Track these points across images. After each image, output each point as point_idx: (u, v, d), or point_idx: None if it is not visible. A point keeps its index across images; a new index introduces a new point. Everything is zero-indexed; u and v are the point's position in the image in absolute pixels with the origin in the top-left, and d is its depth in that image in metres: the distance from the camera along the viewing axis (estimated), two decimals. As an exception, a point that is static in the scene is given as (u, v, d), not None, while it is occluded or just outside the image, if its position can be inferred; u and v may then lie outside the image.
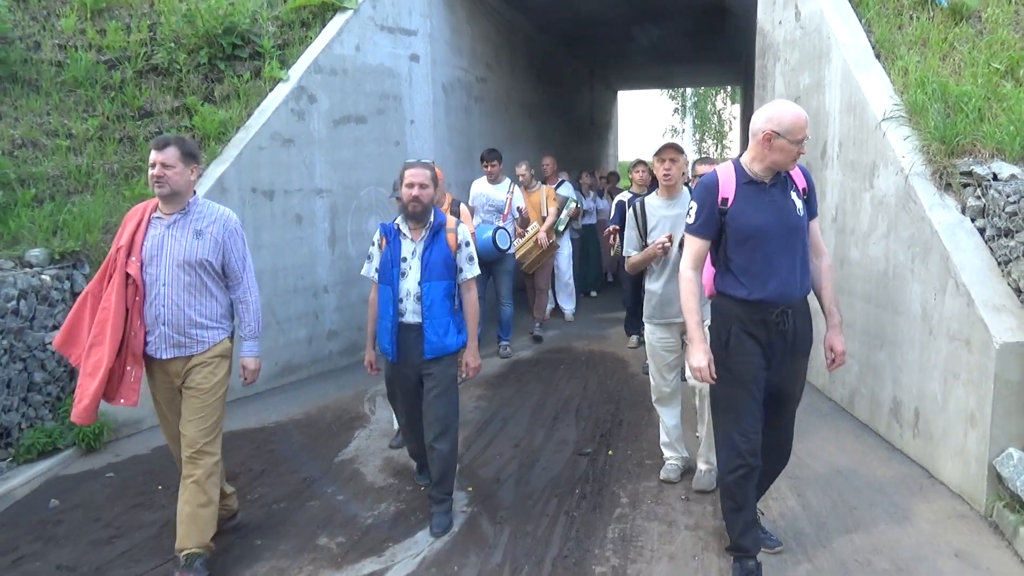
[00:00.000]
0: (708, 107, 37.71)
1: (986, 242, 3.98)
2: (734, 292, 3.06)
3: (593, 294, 10.47)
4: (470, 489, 4.24)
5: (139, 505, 4.11)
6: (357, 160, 6.94)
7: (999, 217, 3.86)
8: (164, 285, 3.23)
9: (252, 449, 4.91)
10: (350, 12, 6.82)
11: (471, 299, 3.80)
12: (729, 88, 31.03)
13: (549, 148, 11.00)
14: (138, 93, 6.21)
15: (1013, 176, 3.91)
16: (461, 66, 8.80)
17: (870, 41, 5.33)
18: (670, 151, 4.03)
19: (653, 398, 4.31)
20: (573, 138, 14.98)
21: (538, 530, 3.74)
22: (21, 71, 6.10)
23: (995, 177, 3.99)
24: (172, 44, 6.45)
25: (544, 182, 8.26)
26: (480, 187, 7.25)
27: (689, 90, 34.11)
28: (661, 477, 4.23)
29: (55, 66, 6.24)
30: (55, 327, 4.68)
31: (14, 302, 4.44)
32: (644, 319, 4.24)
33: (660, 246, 3.93)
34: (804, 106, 5.93)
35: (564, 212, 7.89)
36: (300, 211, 6.39)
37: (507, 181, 7.21)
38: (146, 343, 3.27)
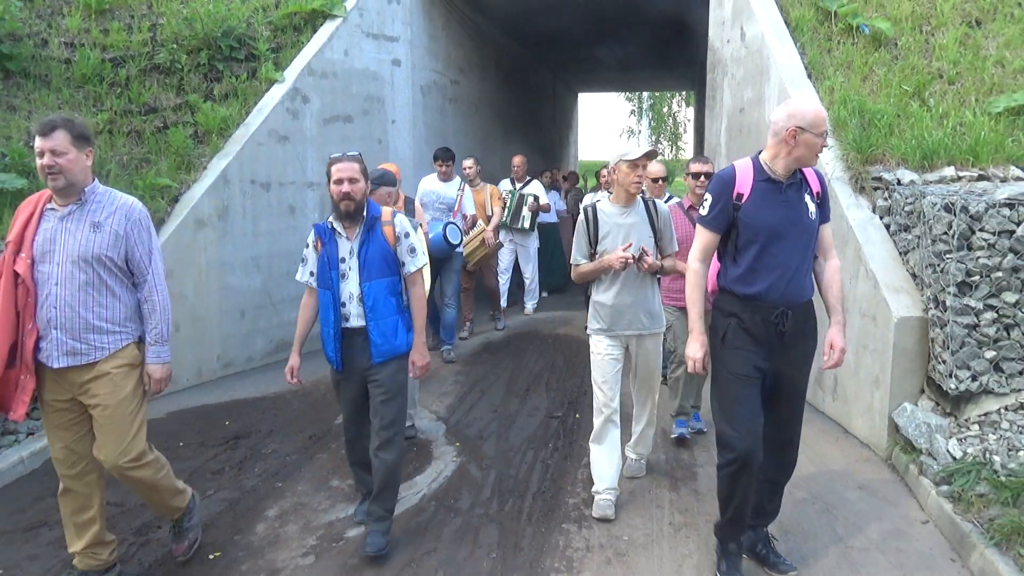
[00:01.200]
0: (664, 109, 38.86)
1: (891, 236, 4.80)
2: (737, 288, 3.06)
3: (544, 295, 9.91)
4: (457, 444, 4.90)
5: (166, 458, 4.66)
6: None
7: (900, 215, 4.67)
8: (56, 284, 2.93)
9: (258, 414, 5.48)
10: (339, 19, 7.40)
11: (416, 293, 3.56)
12: (684, 92, 32.13)
13: (515, 147, 11.67)
14: (143, 90, 6.69)
15: (912, 181, 4.73)
16: (437, 70, 9.42)
17: (803, 62, 6.14)
18: (645, 159, 3.76)
19: (595, 424, 3.98)
20: (537, 138, 15.70)
21: (519, 473, 4.43)
22: (31, 67, 6.53)
23: (899, 182, 4.81)
24: (174, 45, 6.94)
25: (513, 182, 8.56)
26: (429, 184, 7.23)
27: (646, 93, 35.10)
28: (595, 515, 3.83)
29: (63, 63, 6.67)
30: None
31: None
32: (590, 331, 3.97)
33: (621, 260, 3.64)
34: (746, 118, 6.78)
35: (525, 208, 8.25)
36: (293, 202, 6.96)
37: (458, 179, 7.28)
38: (38, 349, 2.96)
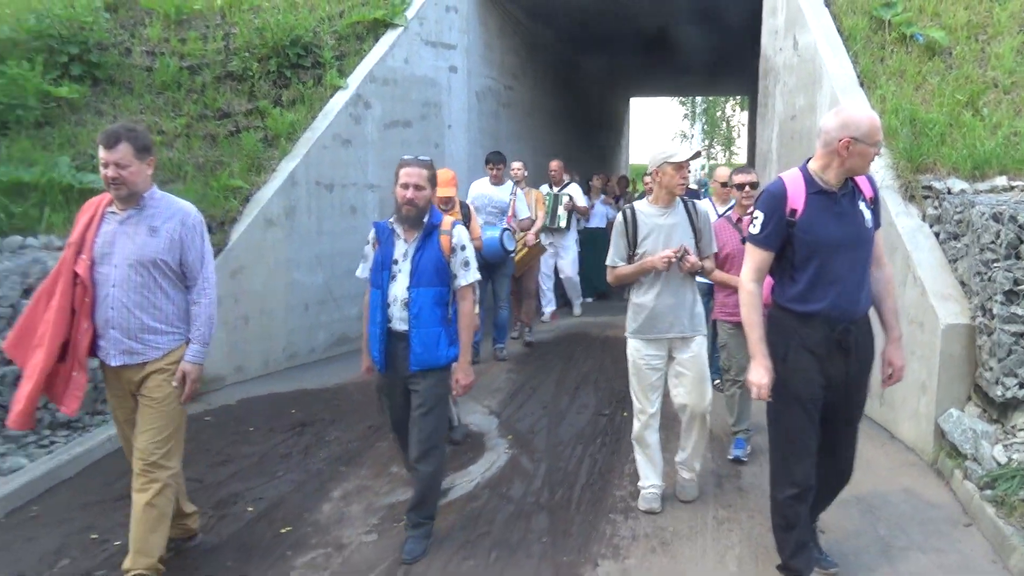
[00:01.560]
0: (718, 113, 38.58)
1: (940, 244, 4.85)
2: (796, 307, 2.95)
3: (589, 300, 9.86)
4: (509, 438, 5.12)
5: (237, 441, 5.00)
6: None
7: (950, 224, 4.73)
8: (114, 286, 3.02)
9: (320, 404, 5.79)
10: (400, 28, 7.71)
11: (465, 308, 3.50)
12: (738, 97, 31.84)
13: (567, 151, 11.87)
14: (217, 96, 7.10)
15: (963, 191, 4.78)
16: (491, 76, 9.68)
17: (856, 71, 6.20)
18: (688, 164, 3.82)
19: (634, 427, 4.01)
20: (588, 142, 15.86)
21: (568, 466, 4.63)
22: (116, 74, 6.99)
23: (949, 191, 4.86)
24: (246, 53, 7.34)
25: (551, 186, 8.45)
26: (481, 188, 7.20)
27: (699, 97, 34.88)
28: (642, 507, 3.97)
29: (145, 70, 7.13)
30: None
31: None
32: (628, 334, 3.93)
33: (665, 260, 3.66)
34: (798, 125, 6.86)
35: (560, 207, 8.22)
36: (355, 203, 7.28)
37: (510, 183, 7.28)
38: (98, 347, 3.08)
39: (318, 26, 7.74)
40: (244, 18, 7.76)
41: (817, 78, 6.45)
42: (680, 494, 4.12)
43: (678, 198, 3.86)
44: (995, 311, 4.10)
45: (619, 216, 3.90)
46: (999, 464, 3.90)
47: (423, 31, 8.00)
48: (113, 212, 3.08)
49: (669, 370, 3.94)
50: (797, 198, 2.88)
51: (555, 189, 8.52)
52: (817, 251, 2.88)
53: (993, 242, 4.15)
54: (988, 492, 3.80)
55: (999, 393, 4.11)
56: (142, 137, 3.04)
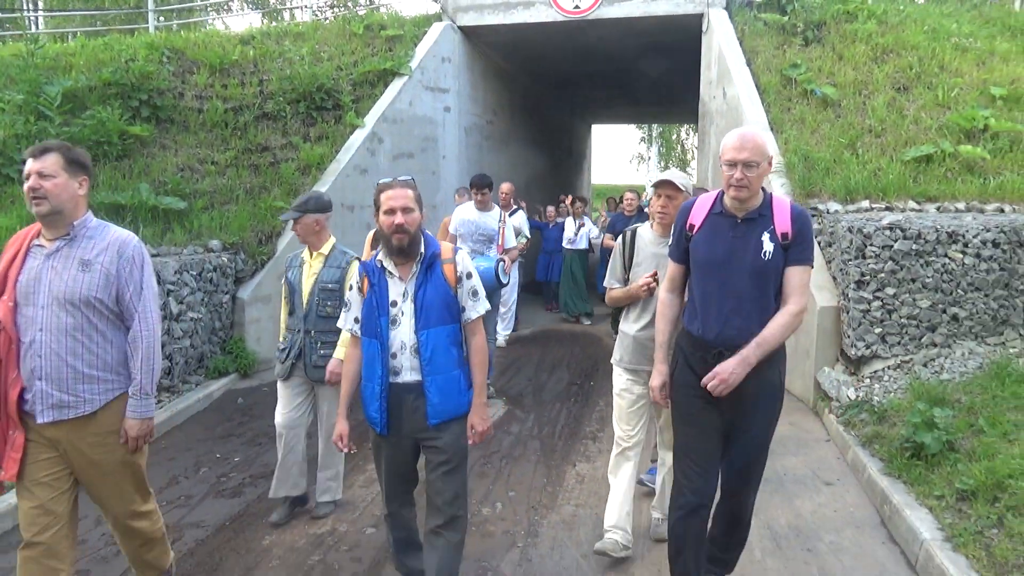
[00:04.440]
0: (673, 136, 40.78)
1: (821, 250, 6.63)
2: (686, 323, 3.03)
3: (587, 322, 10.17)
4: (504, 399, 6.72)
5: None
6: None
7: (826, 235, 6.51)
8: (41, 330, 2.63)
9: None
10: (406, 77, 9.36)
11: (478, 344, 3.04)
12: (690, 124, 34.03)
13: (538, 175, 13.58)
14: (257, 133, 8.65)
15: (836, 211, 6.58)
16: (476, 113, 11.37)
17: (768, 118, 8.01)
18: (667, 187, 3.53)
19: (613, 454, 3.84)
20: (554, 166, 17.64)
21: (551, 414, 6.26)
22: (174, 115, 8.51)
23: (828, 211, 6.65)
24: (280, 97, 8.91)
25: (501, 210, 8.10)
26: (466, 213, 6.71)
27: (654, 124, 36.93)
28: (596, 550, 3.69)
29: (197, 111, 8.65)
30: (228, 292, 7.10)
31: (211, 274, 6.85)
32: (614, 362, 3.84)
33: (644, 287, 3.52)
34: (727, 158, 8.64)
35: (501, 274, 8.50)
36: (369, 221, 8.85)
37: (497, 209, 6.87)
38: (23, 401, 2.67)
39: (336, 74, 9.36)
40: (274, 67, 9.34)
41: (739, 122, 8.25)
42: (654, 533, 3.95)
43: None
44: (849, 295, 5.86)
45: (619, 238, 3.82)
46: (851, 400, 5.63)
47: (424, 78, 9.67)
48: (40, 245, 2.71)
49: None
50: (699, 215, 2.96)
51: (505, 214, 7.40)
52: (700, 269, 2.93)
53: (848, 247, 5.92)
54: (841, 418, 5.53)
55: (853, 353, 5.86)
56: (77, 153, 2.75)
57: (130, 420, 2.78)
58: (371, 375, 2.92)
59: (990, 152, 6.99)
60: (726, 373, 2.79)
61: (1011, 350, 5.57)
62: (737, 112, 8.36)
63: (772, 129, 7.90)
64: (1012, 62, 8.37)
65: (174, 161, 7.99)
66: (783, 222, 2.87)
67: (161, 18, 15.32)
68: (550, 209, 11.56)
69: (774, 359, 2.92)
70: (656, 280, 3.48)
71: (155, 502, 3.05)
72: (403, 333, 2.91)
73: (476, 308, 3.05)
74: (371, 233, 5.07)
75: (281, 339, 4.27)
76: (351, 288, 3.05)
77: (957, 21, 9.35)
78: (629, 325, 3.72)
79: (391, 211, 2.87)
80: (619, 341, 3.81)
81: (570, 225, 10.45)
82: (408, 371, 2.91)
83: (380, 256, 2.97)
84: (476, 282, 3.07)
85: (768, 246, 2.84)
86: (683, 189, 3.52)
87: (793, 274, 2.89)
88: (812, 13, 9.38)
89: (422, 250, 2.96)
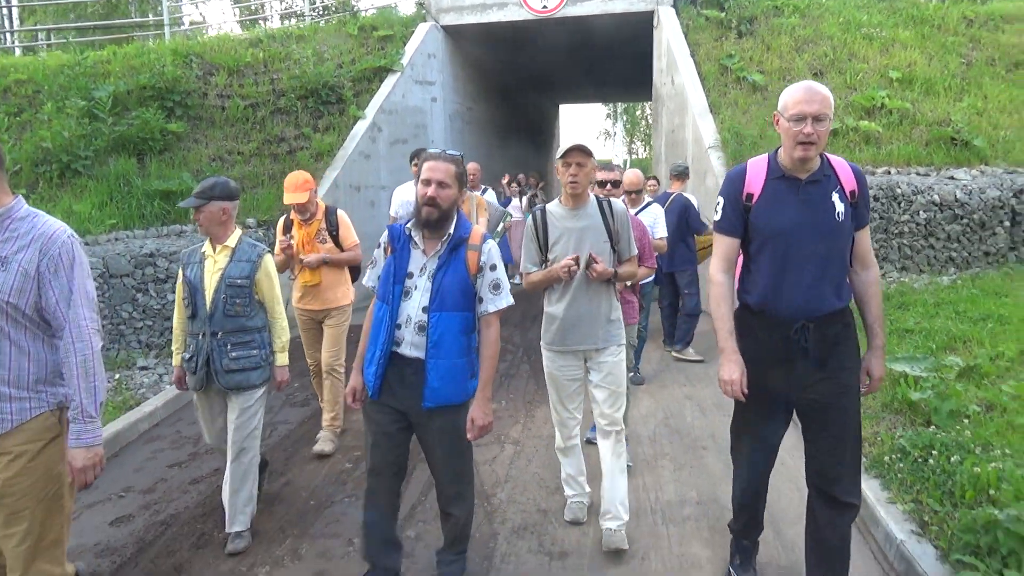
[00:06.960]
0: (637, 112, 42.31)
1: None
2: (751, 301, 2.76)
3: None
4: (498, 339, 8.26)
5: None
6: (401, 167, 10.87)
7: (752, 197, 8.05)
8: None
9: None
10: (399, 72, 10.76)
11: (490, 337, 2.96)
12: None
13: (511, 155, 15.04)
14: (273, 126, 10.01)
15: (759, 177, 8.14)
16: (458, 101, 12.80)
17: (708, 102, 9.57)
18: (576, 154, 3.34)
19: (556, 440, 3.78)
20: (525, 146, 19.13)
21: (511, 368, 7.81)
22: (201, 113, 9.84)
23: (753, 178, 8.18)
24: (291, 94, 10.27)
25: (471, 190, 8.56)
26: (406, 194, 6.21)
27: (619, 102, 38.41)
28: (567, 518, 3.77)
29: (220, 109, 9.98)
30: (264, 261, 8.53)
31: (252, 245, 8.27)
32: (543, 344, 3.62)
33: (565, 269, 3.32)
34: (676, 136, 10.26)
35: (500, 226, 9.81)
36: (372, 199, 10.31)
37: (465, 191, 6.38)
38: None
39: (338, 72, 10.73)
40: (283, 67, 10.69)
41: (685, 105, 9.81)
42: (605, 545, 3.50)
43: (593, 198, 3.53)
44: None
45: (528, 219, 3.60)
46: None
47: (414, 73, 11.08)
48: None
49: (586, 382, 3.63)
50: (755, 183, 2.73)
51: (475, 194, 7.10)
52: (770, 239, 2.68)
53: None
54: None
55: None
56: None
57: (73, 451, 2.35)
58: (375, 338, 2.91)
59: (883, 126, 8.64)
60: (881, 370, 2.78)
61: (888, 279, 7.24)
62: (683, 97, 9.91)
63: (711, 111, 9.47)
64: (910, 48, 10.03)
65: (206, 153, 9.35)
66: (848, 180, 2.72)
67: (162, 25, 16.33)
68: (513, 185, 12.60)
69: (845, 320, 2.77)
70: (577, 263, 3.36)
71: (63, 565, 2.46)
72: (411, 307, 2.87)
73: (495, 302, 2.96)
74: (281, 220, 5.04)
75: (176, 346, 3.80)
76: (379, 246, 3.04)
77: (868, 12, 10.98)
78: (554, 306, 3.53)
79: (427, 182, 2.85)
80: (545, 323, 3.61)
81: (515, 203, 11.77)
82: (408, 346, 2.87)
83: (410, 224, 2.95)
84: (500, 275, 2.99)
85: (840, 207, 2.67)
86: (592, 155, 3.40)
87: (864, 236, 2.79)
88: (745, 9, 10.94)
89: (451, 230, 2.92)
